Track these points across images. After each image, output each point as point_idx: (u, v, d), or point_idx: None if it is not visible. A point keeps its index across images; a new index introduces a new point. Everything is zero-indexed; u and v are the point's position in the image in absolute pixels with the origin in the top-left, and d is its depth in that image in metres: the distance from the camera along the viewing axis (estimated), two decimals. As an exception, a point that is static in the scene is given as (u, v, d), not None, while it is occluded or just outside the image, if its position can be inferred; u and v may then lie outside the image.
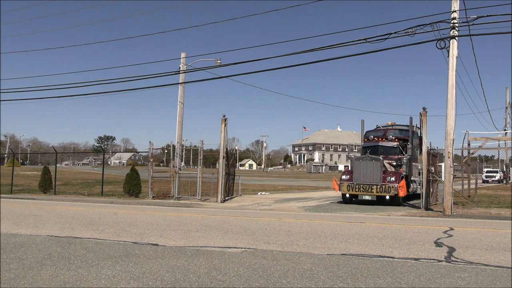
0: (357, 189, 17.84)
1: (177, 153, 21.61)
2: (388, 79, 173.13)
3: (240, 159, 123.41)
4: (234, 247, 6.46)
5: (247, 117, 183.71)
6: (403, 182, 17.35)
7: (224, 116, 19.93)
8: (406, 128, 20.71)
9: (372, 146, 20.10)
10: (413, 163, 19.68)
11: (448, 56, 14.38)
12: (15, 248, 6.13)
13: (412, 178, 19.25)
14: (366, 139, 20.92)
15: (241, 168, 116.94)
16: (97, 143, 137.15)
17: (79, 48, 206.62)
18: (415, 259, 5.63)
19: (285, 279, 4.45)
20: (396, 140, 19.94)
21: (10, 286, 4.11)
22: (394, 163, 18.82)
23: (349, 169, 18.63)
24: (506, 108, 43.82)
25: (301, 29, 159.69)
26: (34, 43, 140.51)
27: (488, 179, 47.64)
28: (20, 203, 17.38)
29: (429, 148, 18.04)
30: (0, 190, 24.69)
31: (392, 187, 17.14)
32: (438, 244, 7.01)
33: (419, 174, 21.53)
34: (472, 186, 22.56)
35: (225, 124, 19.85)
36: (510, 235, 8.23)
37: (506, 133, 35.34)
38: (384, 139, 20.16)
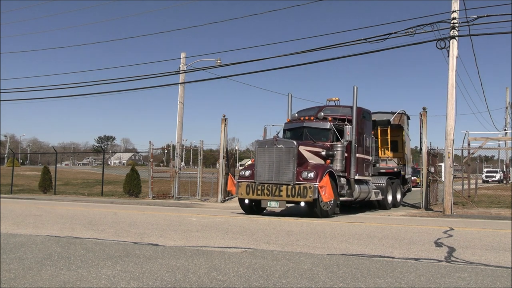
0: (259, 192, 12.20)
1: (177, 153, 21.61)
2: (388, 79, 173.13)
3: (240, 159, 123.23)
4: (234, 247, 6.46)
5: (247, 117, 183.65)
6: (326, 180, 11.80)
7: (224, 116, 19.94)
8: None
9: (295, 129, 14.32)
10: (360, 155, 14.30)
11: (448, 56, 14.40)
12: (15, 248, 6.13)
13: (357, 177, 14.03)
14: (288, 120, 15.22)
15: (241, 168, 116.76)
16: (97, 143, 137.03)
17: (79, 48, 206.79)
18: (415, 259, 5.63)
19: (285, 279, 4.44)
20: (331, 119, 14.03)
21: (10, 286, 4.11)
22: (324, 153, 13.25)
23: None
24: (506, 108, 43.87)
25: (301, 29, 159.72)
26: (34, 43, 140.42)
27: (488, 179, 47.70)
28: (20, 203, 17.38)
29: (429, 148, 18.03)
30: (0, 190, 24.68)
31: (309, 187, 11.63)
32: (438, 244, 7.01)
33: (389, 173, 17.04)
34: (472, 186, 22.55)
35: (225, 124, 19.86)
36: (510, 235, 8.23)
37: (506, 133, 35.38)
38: (312, 119, 14.22)
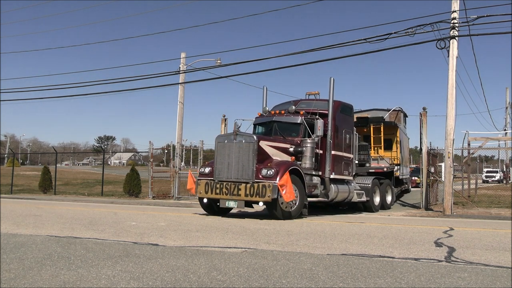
0: (218, 191, 11.24)
1: (177, 153, 21.62)
2: (388, 79, 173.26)
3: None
4: (234, 247, 6.46)
5: (247, 117, 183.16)
6: (286, 177, 10.74)
7: (224, 116, 19.94)
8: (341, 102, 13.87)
9: (265, 124, 13.36)
10: (337, 152, 13.24)
11: (448, 56, 14.40)
12: (15, 248, 6.12)
13: (334, 176, 13.05)
14: (259, 114, 14.04)
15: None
16: (97, 143, 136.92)
17: (79, 48, 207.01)
18: (415, 259, 5.63)
19: (285, 279, 4.44)
20: (303, 113, 12.90)
21: (10, 286, 4.11)
22: (291, 149, 12.21)
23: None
24: (506, 108, 43.89)
25: (301, 29, 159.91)
26: (34, 43, 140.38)
27: (488, 179, 47.70)
28: (20, 203, 17.38)
29: (429, 148, 18.04)
30: (0, 190, 24.69)
31: (268, 186, 10.64)
32: (438, 244, 7.01)
33: (370, 174, 15.78)
34: (472, 186, 22.56)
35: (225, 124, 19.86)
36: (510, 235, 8.23)
37: (506, 133, 35.40)
38: (282, 112, 13.15)
